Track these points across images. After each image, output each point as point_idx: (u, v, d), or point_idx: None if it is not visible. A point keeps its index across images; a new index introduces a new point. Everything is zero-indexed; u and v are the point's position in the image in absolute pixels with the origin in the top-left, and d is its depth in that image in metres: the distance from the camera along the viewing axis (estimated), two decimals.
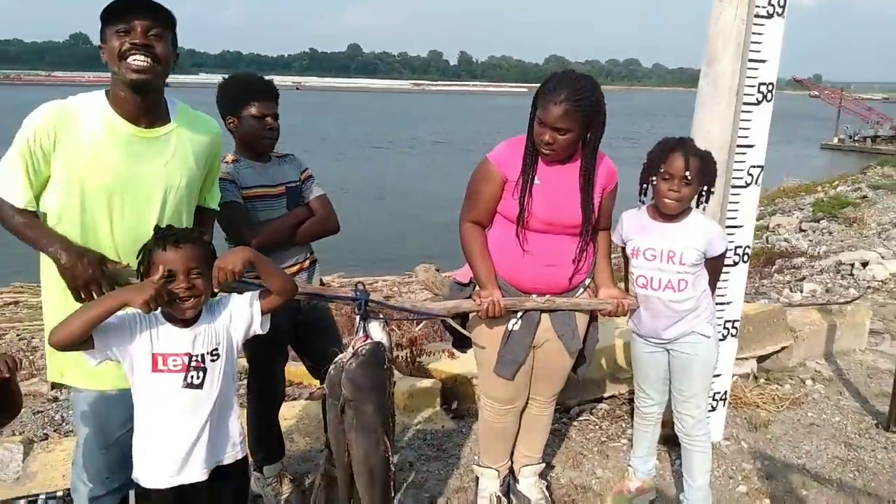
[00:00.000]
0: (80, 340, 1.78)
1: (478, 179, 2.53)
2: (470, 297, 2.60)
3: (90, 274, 1.94)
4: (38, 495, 2.68)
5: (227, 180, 2.55)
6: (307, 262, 2.77)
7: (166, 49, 1.99)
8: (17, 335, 7.84)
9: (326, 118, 40.77)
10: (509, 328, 2.57)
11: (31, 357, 6.33)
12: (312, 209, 2.75)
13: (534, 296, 2.54)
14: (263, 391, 2.86)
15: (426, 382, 3.88)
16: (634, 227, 2.71)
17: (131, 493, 2.15)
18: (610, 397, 4.08)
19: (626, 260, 2.76)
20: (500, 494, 2.86)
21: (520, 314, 2.56)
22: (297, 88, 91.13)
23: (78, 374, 2.08)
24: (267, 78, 2.72)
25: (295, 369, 4.66)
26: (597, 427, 3.77)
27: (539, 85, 2.45)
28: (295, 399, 4.22)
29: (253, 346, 2.68)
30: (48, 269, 2.04)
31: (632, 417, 3.24)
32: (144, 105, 2.02)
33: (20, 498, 2.69)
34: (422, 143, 29.76)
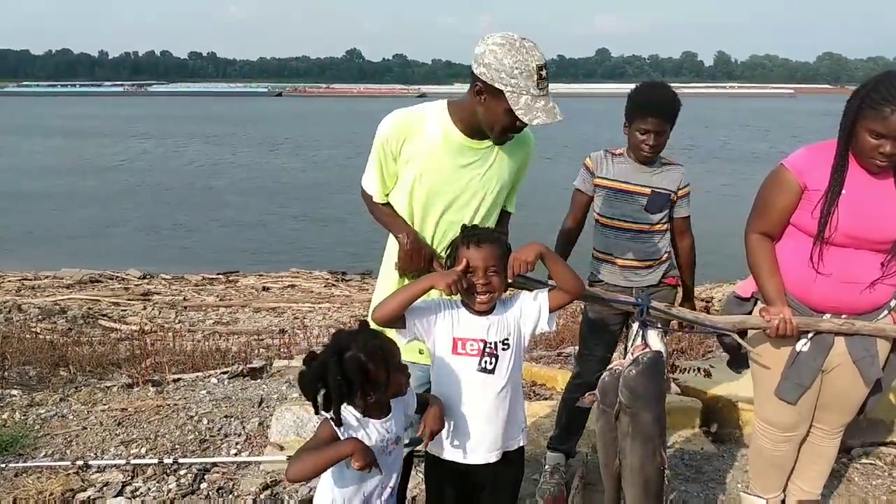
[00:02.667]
0: (395, 318, 2.04)
1: (771, 188, 2.37)
2: (750, 312, 2.47)
3: (421, 266, 2.24)
4: None
5: (585, 167, 2.92)
6: (653, 262, 2.88)
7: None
8: (293, 314, 9.00)
9: (573, 124, 40.87)
10: (797, 349, 2.38)
11: (303, 334, 7.25)
12: (674, 226, 2.92)
13: (828, 315, 2.34)
14: (580, 378, 2.97)
15: (686, 401, 3.73)
16: None
17: (416, 460, 2.44)
18: None
19: None
20: None
21: (810, 334, 2.36)
22: None
23: None
24: (664, 94, 2.81)
25: (537, 370, 4.80)
26: (885, 474, 3.34)
27: (862, 88, 2.18)
28: (546, 399, 4.33)
29: (584, 332, 2.94)
30: (392, 253, 2.35)
31: None
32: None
33: None
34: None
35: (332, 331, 2.06)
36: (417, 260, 2.25)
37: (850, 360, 2.38)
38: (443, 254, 2.24)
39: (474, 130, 2.23)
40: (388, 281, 2.37)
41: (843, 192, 2.23)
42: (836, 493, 3.12)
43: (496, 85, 2.07)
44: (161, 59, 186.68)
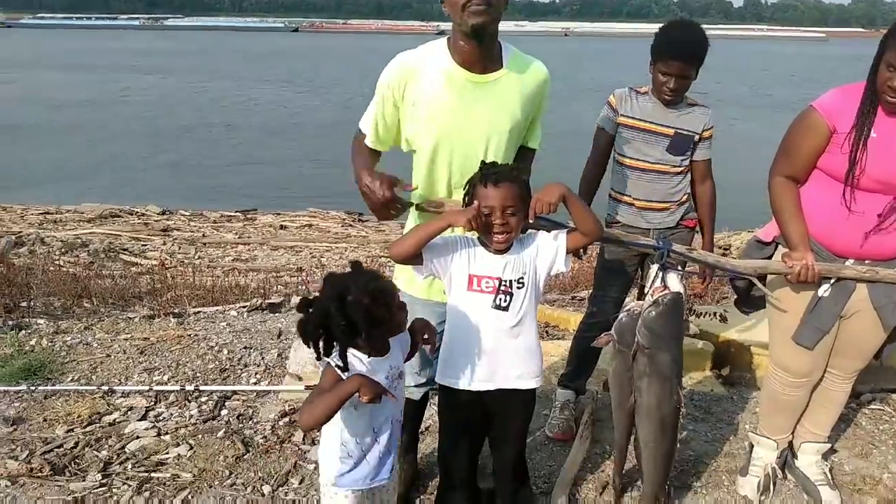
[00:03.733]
0: (412, 255, 2.06)
1: (799, 130, 2.31)
2: (771, 257, 2.47)
3: (384, 195, 2.13)
4: None
5: (608, 105, 2.87)
6: (672, 204, 2.87)
7: None
8: (310, 253, 9.08)
9: (595, 66, 39.96)
10: (819, 294, 2.37)
11: (320, 273, 7.35)
12: (694, 168, 2.88)
13: (850, 261, 2.32)
14: (594, 318, 3.02)
15: (698, 343, 3.77)
16: None
17: (430, 393, 2.51)
18: None
19: None
20: (777, 467, 2.71)
21: (832, 280, 2.35)
22: (566, 35, 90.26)
23: (400, 280, 2.42)
24: (692, 36, 2.75)
25: (551, 312, 4.85)
26: (893, 419, 3.37)
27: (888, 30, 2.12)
28: (559, 339, 4.39)
29: (600, 273, 2.97)
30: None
31: None
32: (480, 51, 2.18)
33: None
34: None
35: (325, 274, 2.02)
36: (378, 190, 2.13)
37: (870, 307, 2.38)
38: (461, 191, 2.22)
39: (475, 62, 2.20)
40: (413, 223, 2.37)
41: (873, 134, 2.18)
42: (843, 436, 3.17)
43: None
44: None
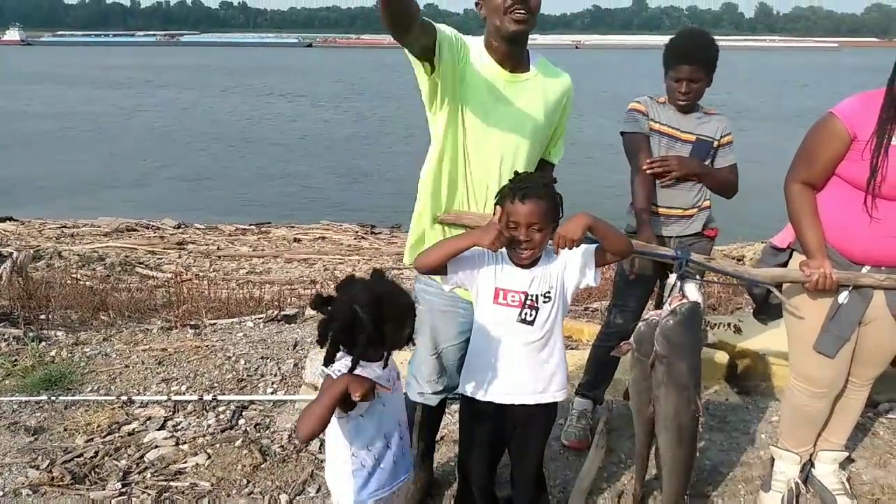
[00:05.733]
0: (436, 269, 2.09)
1: (818, 136, 2.30)
2: (786, 263, 2.47)
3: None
4: None
5: (636, 111, 2.91)
6: (695, 210, 2.92)
7: (538, 1, 2.19)
8: (323, 266, 9.14)
9: (606, 78, 40.07)
10: (840, 301, 2.35)
11: (334, 285, 7.38)
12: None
13: (866, 268, 2.31)
14: (613, 328, 3.05)
15: (716, 354, 3.75)
16: None
17: (448, 402, 2.51)
18: None
19: None
20: (799, 481, 2.68)
21: (850, 287, 2.34)
22: (577, 47, 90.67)
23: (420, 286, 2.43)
24: (699, 41, 2.84)
25: (564, 323, 4.84)
26: None
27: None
28: (573, 349, 4.39)
29: (618, 283, 3.01)
30: (424, 201, 2.34)
31: None
32: (512, 52, 2.26)
33: None
34: None
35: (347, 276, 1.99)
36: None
37: (888, 314, 2.37)
38: (482, 192, 2.25)
39: (507, 61, 2.26)
40: (419, 235, 2.37)
41: (894, 142, 2.17)
42: (861, 445, 3.14)
43: None
44: (192, 7, 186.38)
